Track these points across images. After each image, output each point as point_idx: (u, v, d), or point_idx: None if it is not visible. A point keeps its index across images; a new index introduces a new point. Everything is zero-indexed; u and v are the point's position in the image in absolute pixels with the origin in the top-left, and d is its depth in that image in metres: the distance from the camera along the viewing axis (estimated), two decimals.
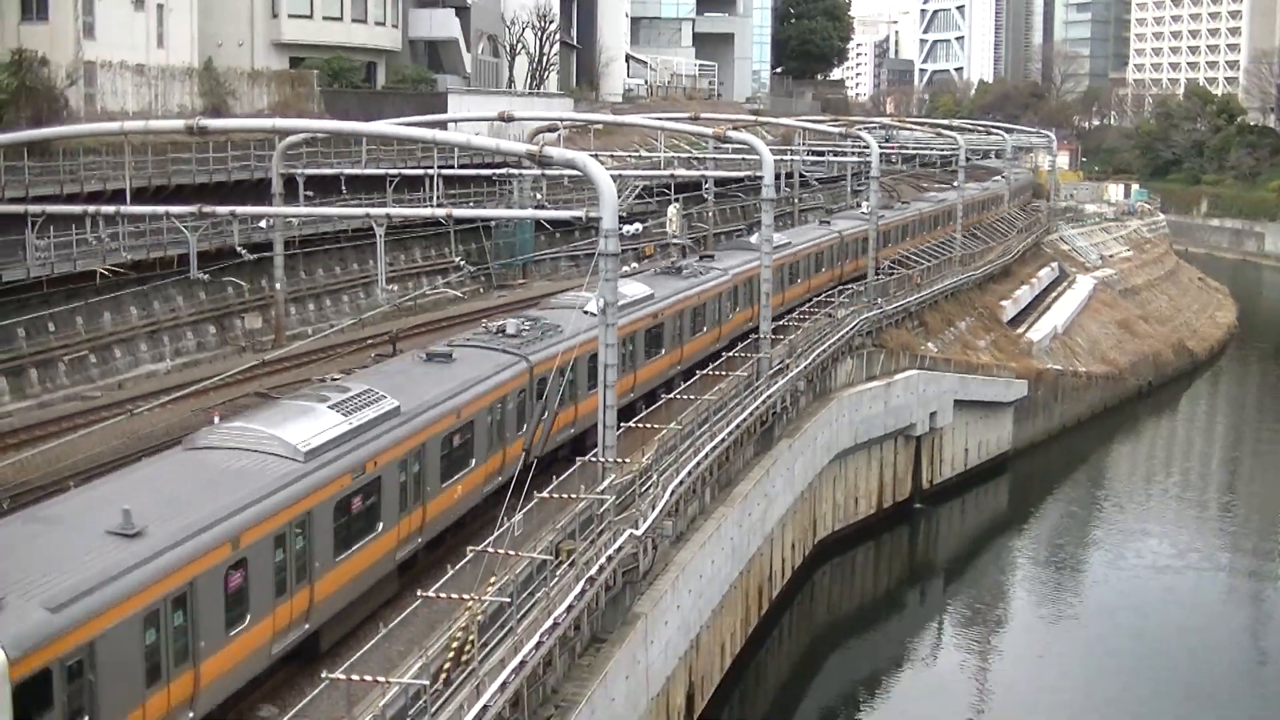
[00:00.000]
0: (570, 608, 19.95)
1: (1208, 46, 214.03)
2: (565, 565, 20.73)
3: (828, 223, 60.66)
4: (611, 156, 56.12)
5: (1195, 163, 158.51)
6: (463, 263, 48.34)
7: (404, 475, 22.36)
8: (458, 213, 32.70)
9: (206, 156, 44.77)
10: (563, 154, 25.40)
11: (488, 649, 17.85)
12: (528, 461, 24.17)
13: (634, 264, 51.16)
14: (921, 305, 57.19)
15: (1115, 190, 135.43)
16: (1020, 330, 68.04)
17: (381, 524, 21.51)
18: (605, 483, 23.04)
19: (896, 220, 69.42)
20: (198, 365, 40.41)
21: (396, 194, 46.48)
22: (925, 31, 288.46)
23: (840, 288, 51.03)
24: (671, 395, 31.03)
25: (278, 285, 42.10)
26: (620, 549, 22.41)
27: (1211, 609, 42.71)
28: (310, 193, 43.62)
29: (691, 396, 30.42)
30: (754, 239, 48.14)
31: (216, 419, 21.36)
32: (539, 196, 54.46)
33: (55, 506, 17.52)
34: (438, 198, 44.30)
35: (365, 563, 21.08)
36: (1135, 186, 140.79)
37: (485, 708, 16.81)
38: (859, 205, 71.37)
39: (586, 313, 30.89)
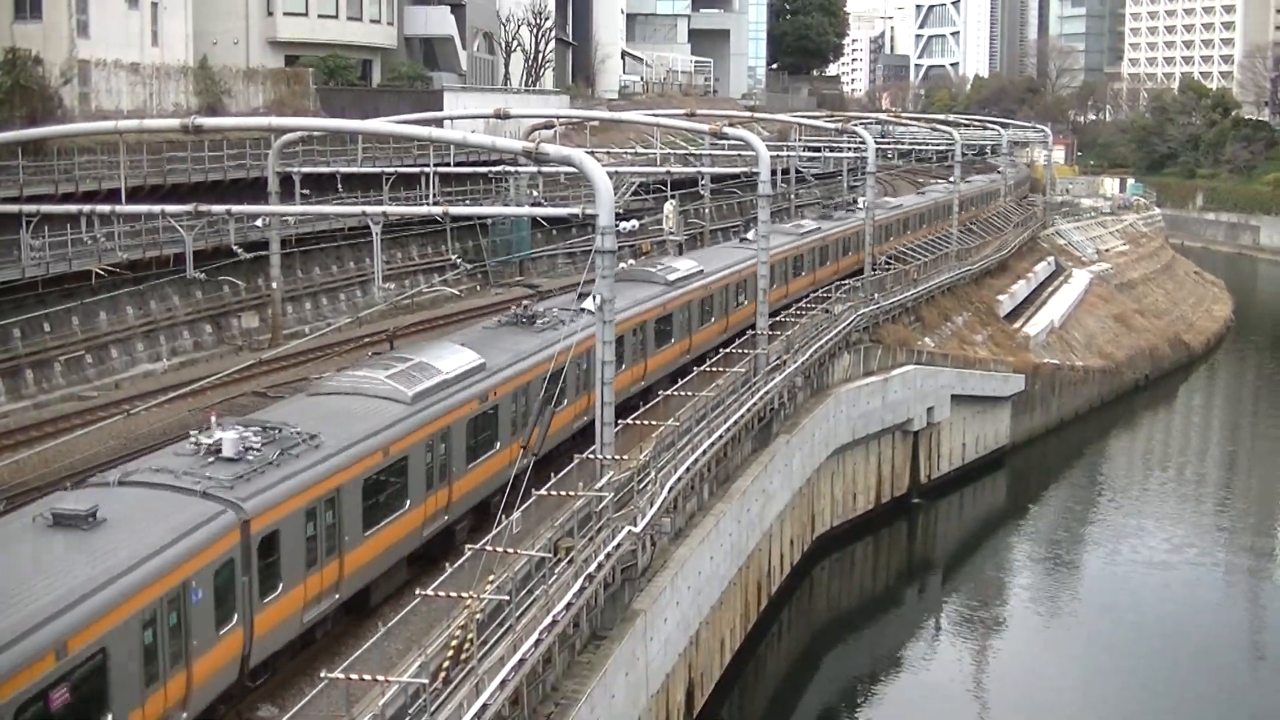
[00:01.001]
0: (569, 605, 19.93)
1: (1202, 41, 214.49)
2: (564, 563, 20.71)
3: (747, 239, 49.42)
4: (608, 153, 56.11)
5: (1190, 157, 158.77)
6: (459, 260, 48.31)
7: None
8: (454, 210, 32.47)
9: (202, 155, 44.70)
10: (559, 151, 25.40)
11: (487, 647, 17.83)
12: (244, 672, 18.10)
13: (630, 260, 51.12)
14: (918, 300, 57.18)
15: (1111, 184, 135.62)
16: (1017, 325, 68.09)
17: None
18: (603, 480, 23.04)
19: (833, 234, 57.26)
20: (194, 365, 40.36)
21: (393, 192, 46.44)
22: (920, 27, 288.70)
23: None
24: (670, 391, 30.93)
25: (274, 284, 42.05)
26: (619, 546, 22.39)
27: (1209, 603, 42.75)
28: (306, 191, 43.56)
29: (689, 393, 30.38)
30: (656, 267, 40.70)
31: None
32: (535, 193, 54.41)
33: None
34: (434, 195, 44.29)
35: None
36: (1131, 181, 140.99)
37: (485, 706, 16.79)
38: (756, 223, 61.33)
39: (388, 398, 22.97)
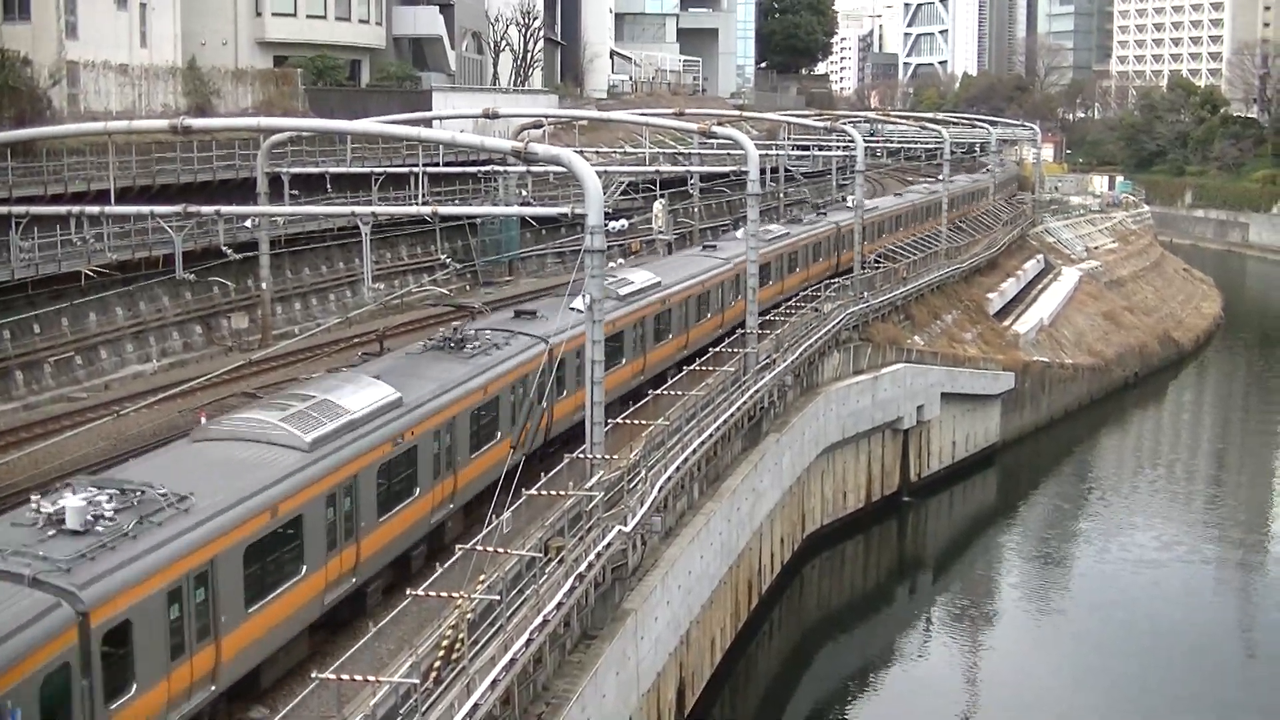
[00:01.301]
0: (560, 604, 19.96)
1: (1190, 38, 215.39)
2: (554, 562, 20.74)
3: (711, 247, 47.02)
4: (596, 153, 56.14)
5: (1179, 154, 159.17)
6: (449, 260, 48.33)
7: None
8: (443, 210, 32.54)
9: (191, 156, 44.65)
10: (548, 150, 25.46)
11: (478, 647, 17.86)
12: None
13: (620, 260, 51.12)
14: (908, 299, 57.26)
15: (1100, 182, 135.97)
16: (1006, 323, 68.19)
17: None
18: (594, 479, 23.08)
19: (803, 239, 53.67)
20: (184, 366, 40.33)
21: (382, 192, 46.38)
22: (909, 25, 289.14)
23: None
24: (659, 390, 30.95)
25: (264, 284, 42.02)
26: (609, 545, 22.43)
27: (1199, 600, 42.85)
28: (295, 191, 43.52)
29: (679, 392, 30.42)
30: (608, 280, 33.26)
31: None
32: (524, 193, 54.40)
33: None
34: (423, 195, 44.23)
35: None
36: (1120, 178, 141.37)
37: (476, 706, 16.82)
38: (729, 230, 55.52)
39: (282, 445, 19.74)
